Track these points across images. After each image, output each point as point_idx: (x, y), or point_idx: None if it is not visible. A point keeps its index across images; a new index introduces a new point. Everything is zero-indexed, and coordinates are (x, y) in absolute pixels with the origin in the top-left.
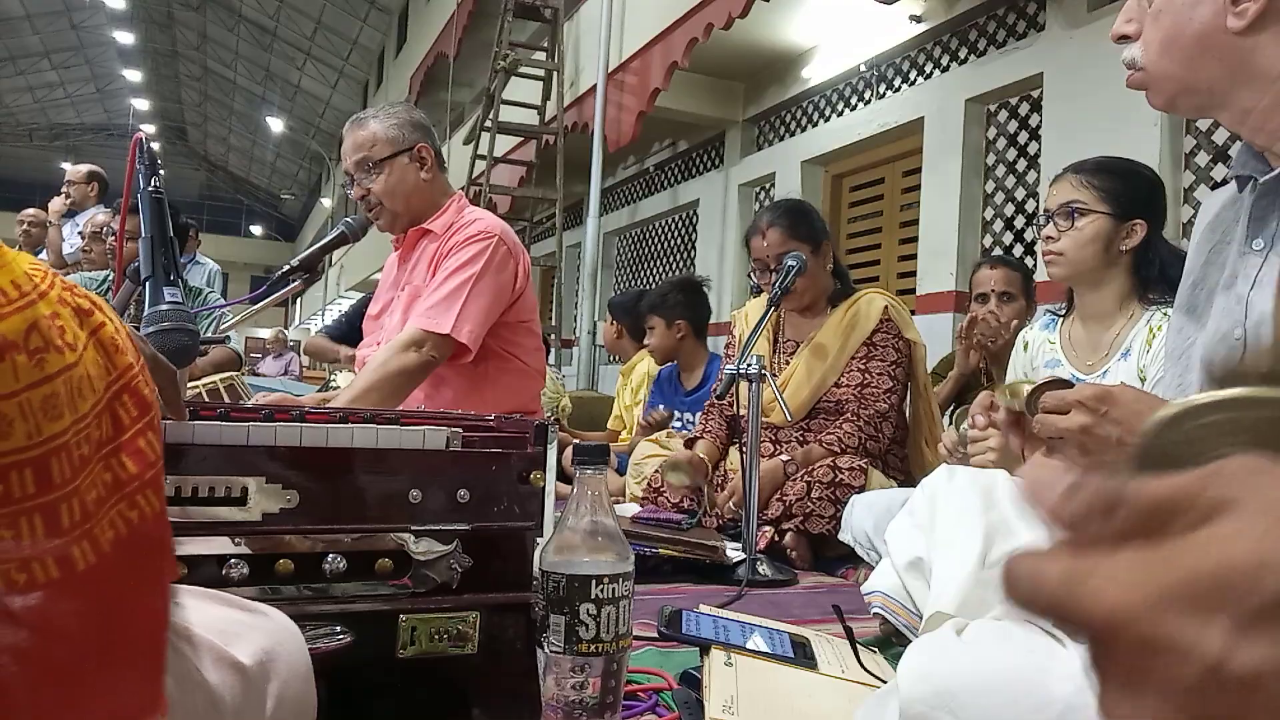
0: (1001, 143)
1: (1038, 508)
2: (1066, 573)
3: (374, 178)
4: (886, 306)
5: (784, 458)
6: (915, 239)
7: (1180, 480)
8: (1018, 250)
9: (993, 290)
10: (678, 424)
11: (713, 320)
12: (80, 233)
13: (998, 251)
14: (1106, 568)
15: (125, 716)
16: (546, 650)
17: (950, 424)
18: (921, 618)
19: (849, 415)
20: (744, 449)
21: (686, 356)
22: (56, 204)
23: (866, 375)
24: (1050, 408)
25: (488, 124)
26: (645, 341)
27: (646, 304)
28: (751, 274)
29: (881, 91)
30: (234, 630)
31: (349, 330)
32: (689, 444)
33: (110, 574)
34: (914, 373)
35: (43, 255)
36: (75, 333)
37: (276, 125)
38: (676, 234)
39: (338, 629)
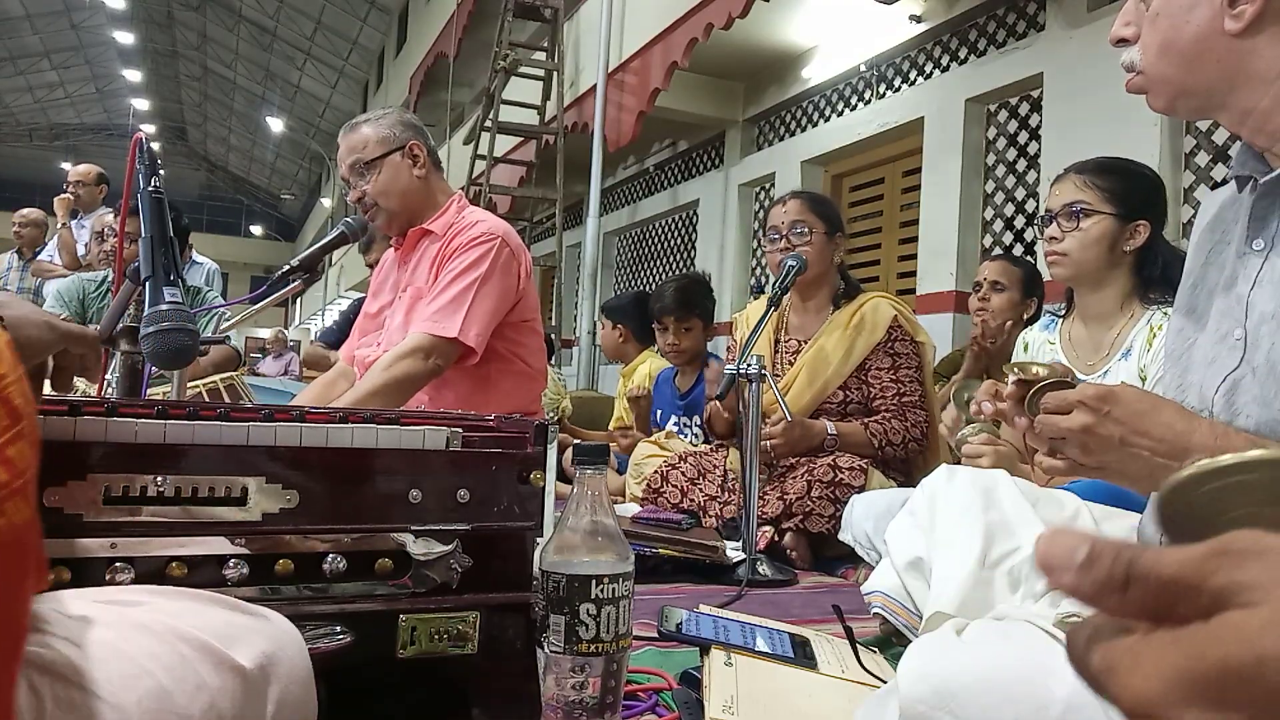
0: (1001, 143)
1: (1054, 580)
2: (1102, 660)
3: (368, 178)
4: (895, 315)
5: (831, 430)
6: (915, 239)
7: (1188, 557)
8: (1018, 250)
9: (985, 279)
10: (675, 426)
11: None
12: (97, 233)
13: (998, 251)
14: (1131, 658)
15: None
16: (546, 650)
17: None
18: (921, 618)
19: (895, 413)
20: (744, 450)
21: (701, 356)
22: (62, 205)
23: (899, 385)
24: (1052, 408)
25: (488, 124)
26: (671, 343)
27: (679, 302)
28: (761, 241)
29: (881, 91)
30: (234, 634)
31: (343, 336)
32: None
33: None
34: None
35: (50, 256)
36: None
37: (276, 125)
38: (676, 234)
39: (338, 629)
